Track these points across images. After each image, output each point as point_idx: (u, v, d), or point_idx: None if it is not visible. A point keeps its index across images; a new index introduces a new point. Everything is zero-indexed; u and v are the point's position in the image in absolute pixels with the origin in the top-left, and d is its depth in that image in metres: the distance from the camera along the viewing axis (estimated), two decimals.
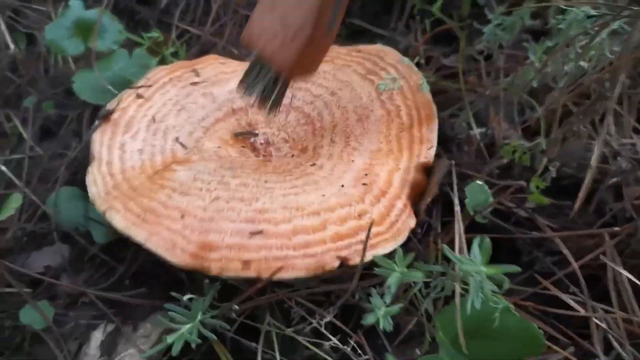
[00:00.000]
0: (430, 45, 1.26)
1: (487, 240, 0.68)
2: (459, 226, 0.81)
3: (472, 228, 0.92)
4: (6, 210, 0.89)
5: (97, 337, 0.93)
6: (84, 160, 1.16)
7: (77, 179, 1.15)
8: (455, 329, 0.73)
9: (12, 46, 1.27)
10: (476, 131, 1.08)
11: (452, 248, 0.87)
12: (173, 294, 0.77)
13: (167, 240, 0.72)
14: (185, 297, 0.74)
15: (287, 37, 0.73)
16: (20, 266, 1.03)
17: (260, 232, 0.72)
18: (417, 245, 0.86)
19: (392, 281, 0.66)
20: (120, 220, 0.75)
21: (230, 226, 0.73)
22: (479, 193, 0.94)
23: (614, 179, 0.98)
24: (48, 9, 1.32)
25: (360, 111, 0.92)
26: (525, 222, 0.99)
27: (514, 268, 0.67)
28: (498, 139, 1.06)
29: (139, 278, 1.00)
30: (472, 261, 0.67)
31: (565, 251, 0.83)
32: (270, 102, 0.80)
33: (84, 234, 1.02)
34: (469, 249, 0.85)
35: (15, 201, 0.91)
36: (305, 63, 0.79)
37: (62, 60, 1.34)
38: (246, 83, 0.81)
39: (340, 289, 0.77)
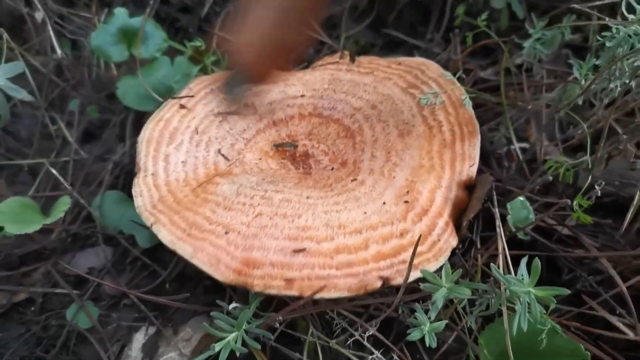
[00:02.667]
0: (467, 57, 1.25)
1: (537, 260, 0.67)
2: (502, 244, 0.80)
3: (513, 244, 0.91)
4: (56, 212, 0.92)
5: (139, 339, 0.96)
6: (127, 164, 1.20)
7: (119, 182, 1.19)
8: (500, 347, 0.72)
9: (58, 51, 1.31)
10: (517, 146, 1.07)
11: (495, 264, 0.87)
12: (218, 301, 0.79)
13: (212, 256, 0.73)
14: (231, 306, 0.75)
15: (247, 37, 0.85)
16: (65, 266, 1.07)
17: (303, 250, 0.73)
18: (459, 260, 0.86)
19: (439, 297, 0.66)
20: (166, 235, 0.76)
21: (273, 243, 0.74)
22: (521, 209, 0.93)
23: None
24: (92, 16, 1.36)
25: (401, 126, 0.92)
26: (566, 240, 0.98)
27: (563, 290, 0.66)
28: (539, 155, 1.04)
29: (180, 282, 1.02)
30: (520, 281, 0.67)
31: (612, 272, 0.81)
32: (233, 94, 0.96)
33: (127, 237, 1.05)
34: (511, 266, 0.85)
35: (64, 204, 0.94)
36: (267, 59, 0.89)
37: (105, 65, 1.38)
38: (227, 86, 0.97)
39: (382, 302, 0.78)
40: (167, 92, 1.21)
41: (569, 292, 0.65)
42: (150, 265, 1.02)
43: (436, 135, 0.89)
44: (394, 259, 0.74)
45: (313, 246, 0.73)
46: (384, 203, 0.81)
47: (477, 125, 0.91)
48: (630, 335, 0.76)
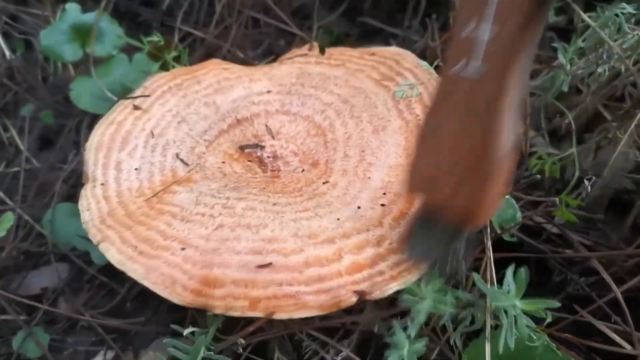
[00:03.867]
0: (446, 43, 1.18)
1: (523, 271, 0.60)
2: (488, 253, 0.73)
3: (499, 245, 0.84)
4: None
5: None
6: (81, 172, 1.11)
7: (75, 192, 1.10)
8: None
9: (7, 53, 1.21)
10: None
11: (478, 269, 0.81)
12: (173, 326, 0.71)
13: (166, 276, 0.65)
14: (186, 332, 0.68)
15: (460, 177, 0.56)
16: (17, 287, 0.98)
17: (268, 265, 0.65)
18: None
19: (421, 310, 0.59)
20: (114, 254, 0.68)
21: (235, 258, 0.66)
22: (506, 208, 0.86)
23: None
24: (46, 13, 1.26)
25: (376, 121, 0.85)
26: (555, 239, 0.92)
27: (552, 303, 0.59)
28: (525, 148, 0.98)
29: (142, 300, 0.94)
30: (505, 294, 0.60)
31: (606, 276, 0.75)
32: (448, 263, 0.63)
33: (82, 254, 0.96)
34: (496, 271, 0.78)
35: (7, 221, 0.85)
36: (485, 203, 0.57)
37: (62, 66, 1.28)
38: (411, 239, 0.65)
39: (354, 322, 0.71)
40: (124, 92, 1.12)
41: (558, 304, 0.59)
42: (108, 283, 0.93)
43: (413, 130, 0.82)
44: (370, 270, 0.67)
45: (280, 260, 0.66)
46: (359, 207, 0.73)
47: None
48: (627, 348, 0.70)
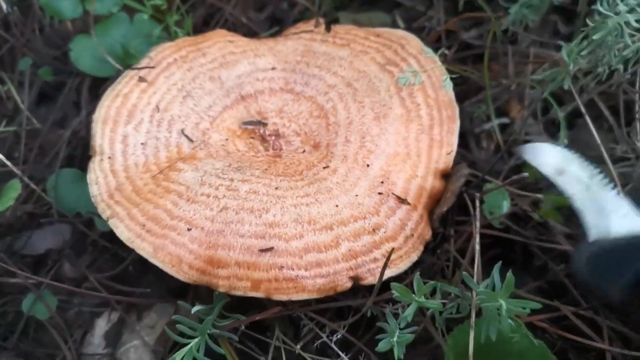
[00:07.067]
0: (450, 15, 1.17)
1: (510, 274, 0.65)
2: (476, 247, 0.78)
3: (486, 228, 0.89)
4: (5, 200, 0.85)
5: (101, 325, 0.93)
6: (84, 136, 1.12)
7: (76, 154, 1.11)
8: (467, 348, 0.72)
9: (4, 5, 1.18)
10: (495, 123, 1.03)
11: (464, 256, 0.85)
12: (180, 302, 0.75)
13: (173, 255, 0.69)
14: (194, 309, 0.72)
15: None
16: (22, 246, 1.01)
17: (270, 249, 0.69)
18: (429, 257, 0.83)
19: (409, 312, 0.64)
20: (124, 231, 0.71)
21: (239, 241, 0.70)
22: (497, 197, 0.90)
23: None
24: None
25: (377, 108, 0.87)
26: (538, 228, 0.96)
27: (535, 304, 0.64)
28: (519, 134, 1.00)
29: (145, 263, 0.97)
30: (492, 294, 0.65)
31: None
32: None
33: (86, 220, 0.99)
34: (482, 253, 0.83)
35: (14, 190, 0.87)
36: None
37: (59, 19, 1.25)
38: None
39: (351, 304, 0.76)
40: (125, 55, 1.11)
41: (540, 305, 0.63)
42: (111, 248, 0.97)
43: (414, 119, 0.84)
44: (365, 258, 0.71)
45: (281, 245, 0.70)
46: (357, 195, 0.77)
47: (457, 109, 0.86)
48: (599, 342, 0.76)
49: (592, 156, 1.01)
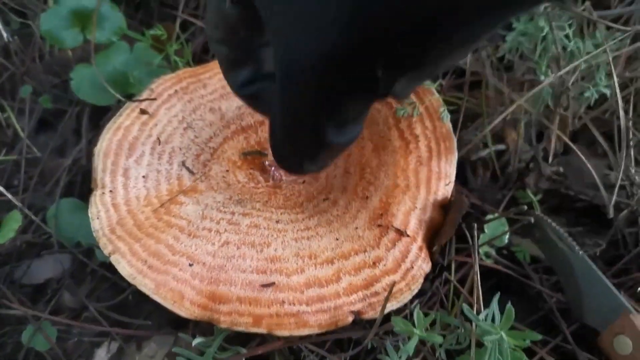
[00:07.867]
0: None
1: (509, 306, 0.66)
2: (476, 279, 0.79)
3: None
4: (5, 232, 0.86)
5: (101, 355, 0.93)
6: (84, 165, 1.12)
7: (76, 182, 1.11)
8: None
9: (4, 34, 1.19)
10: (492, 149, 1.04)
11: (463, 285, 0.86)
12: (182, 335, 0.76)
13: (175, 291, 0.69)
14: (195, 342, 0.72)
15: None
16: (21, 276, 1.01)
17: (272, 285, 0.69)
18: (429, 286, 0.84)
19: (411, 345, 0.64)
20: (125, 267, 0.72)
21: (241, 276, 0.70)
22: (497, 226, 0.92)
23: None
24: None
25: (376, 139, 0.88)
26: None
27: (535, 335, 0.65)
28: (514, 162, 1.02)
29: (144, 293, 0.98)
30: (492, 326, 0.66)
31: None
32: None
33: (86, 249, 0.99)
34: (483, 291, 0.84)
35: (14, 221, 0.87)
36: None
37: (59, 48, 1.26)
38: None
39: (352, 336, 0.76)
40: (126, 84, 1.12)
41: (539, 337, 0.64)
42: (111, 277, 0.97)
43: (412, 151, 0.85)
44: (366, 292, 0.72)
45: (282, 280, 0.70)
46: (357, 228, 0.77)
47: (455, 140, 0.87)
48: None
49: (586, 183, 1.04)
